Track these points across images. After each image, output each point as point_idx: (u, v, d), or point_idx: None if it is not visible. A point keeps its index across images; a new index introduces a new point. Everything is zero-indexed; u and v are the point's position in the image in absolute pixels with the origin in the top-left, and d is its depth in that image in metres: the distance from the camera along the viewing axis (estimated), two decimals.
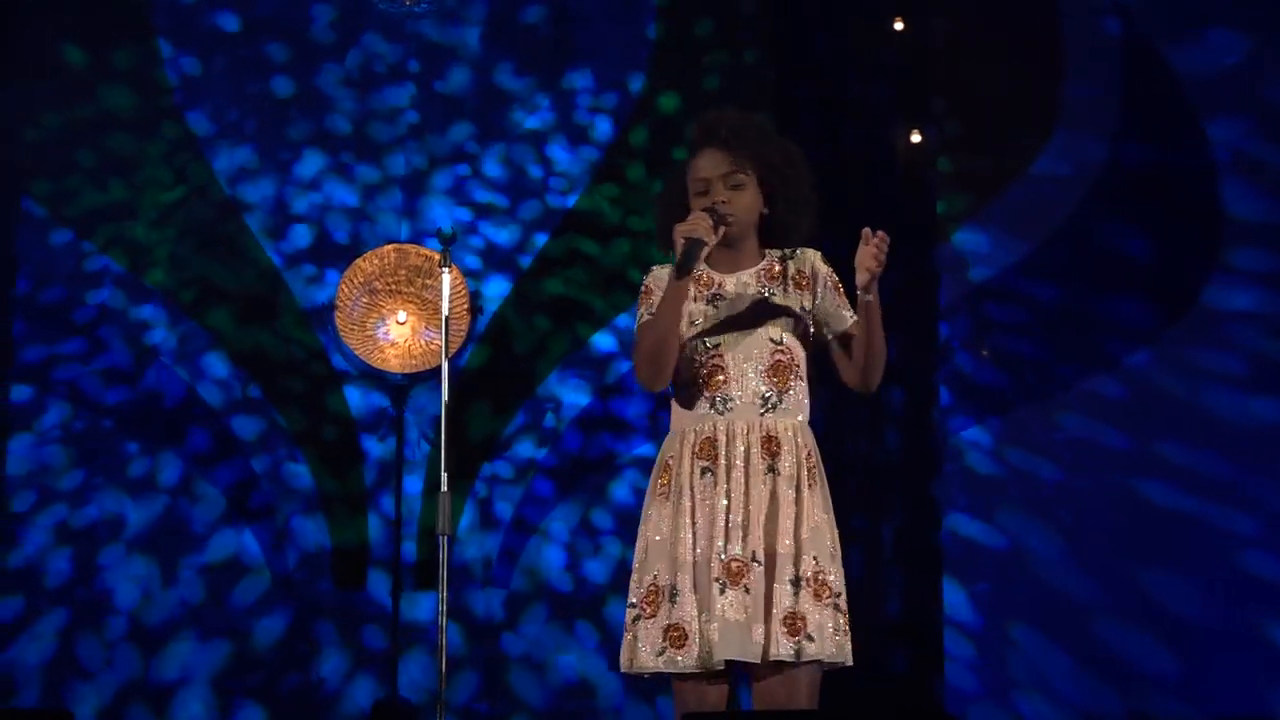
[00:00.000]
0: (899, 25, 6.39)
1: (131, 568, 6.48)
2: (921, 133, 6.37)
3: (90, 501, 6.51)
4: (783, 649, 3.57)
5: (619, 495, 6.62)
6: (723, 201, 3.73)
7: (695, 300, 3.78)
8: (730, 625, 3.57)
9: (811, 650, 3.58)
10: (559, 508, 6.62)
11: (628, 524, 6.50)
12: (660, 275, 3.81)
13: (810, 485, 3.70)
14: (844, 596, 3.67)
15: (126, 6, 6.77)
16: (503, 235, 6.78)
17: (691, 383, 3.74)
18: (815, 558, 3.64)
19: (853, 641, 3.68)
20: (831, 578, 3.65)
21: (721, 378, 3.71)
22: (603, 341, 6.72)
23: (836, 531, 3.73)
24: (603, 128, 6.84)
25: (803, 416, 3.76)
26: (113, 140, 6.71)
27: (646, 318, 3.78)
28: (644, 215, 6.67)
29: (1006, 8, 6.48)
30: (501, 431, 6.66)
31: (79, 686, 6.37)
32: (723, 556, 3.61)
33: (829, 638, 3.62)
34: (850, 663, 3.67)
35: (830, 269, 3.84)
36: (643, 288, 3.85)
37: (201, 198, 6.68)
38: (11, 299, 6.54)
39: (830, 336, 3.83)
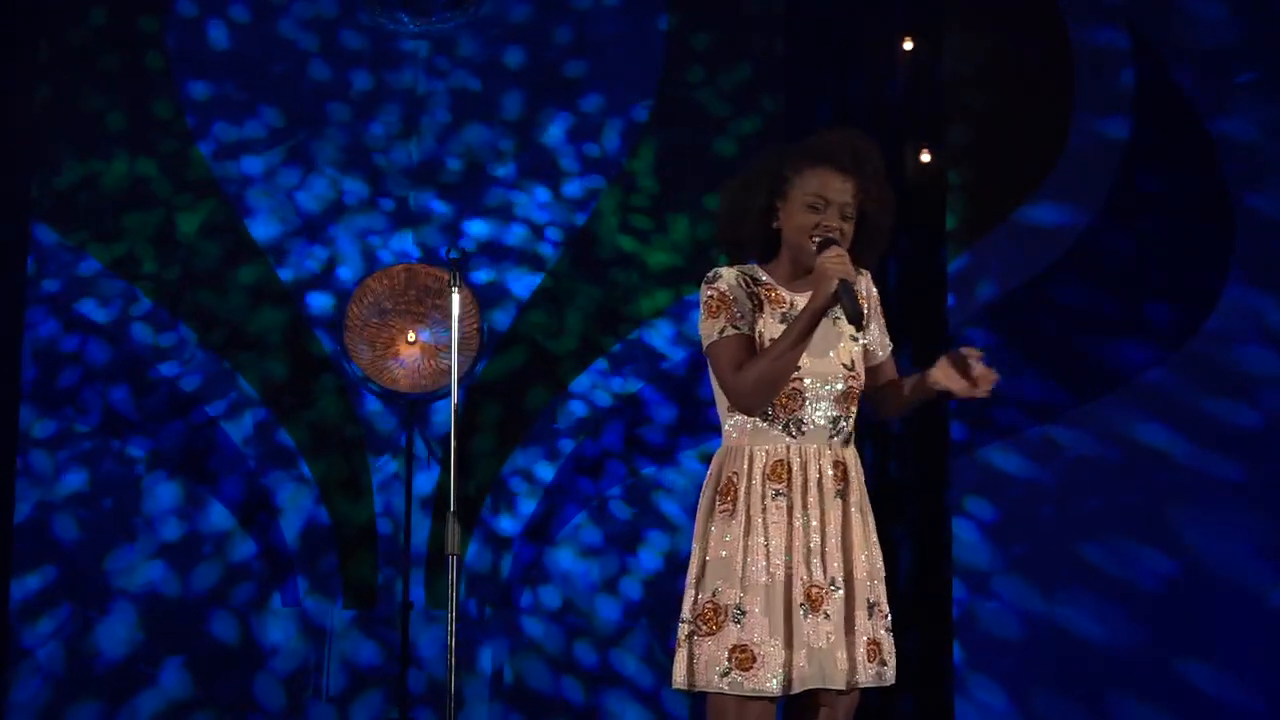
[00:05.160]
0: (909, 45, 6.40)
1: (135, 579, 6.50)
2: (931, 152, 6.37)
3: (101, 524, 6.52)
4: (866, 674, 3.59)
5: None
6: (836, 229, 3.62)
7: (771, 318, 3.68)
8: (816, 652, 3.55)
9: (888, 676, 3.63)
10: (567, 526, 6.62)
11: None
12: (734, 284, 3.68)
13: (869, 509, 3.71)
14: (889, 617, 3.69)
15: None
16: (511, 255, 6.80)
17: (778, 403, 3.65)
18: (877, 583, 3.67)
19: None
20: (884, 602, 3.68)
21: (799, 401, 3.64)
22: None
23: (881, 552, 3.73)
24: (611, 152, 6.84)
25: (854, 440, 3.74)
26: (122, 162, 6.75)
27: (730, 331, 3.64)
28: (649, 241, 6.68)
29: (1018, 29, 6.49)
30: (509, 453, 6.67)
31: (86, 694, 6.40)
32: (805, 582, 3.57)
33: (891, 662, 3.65)
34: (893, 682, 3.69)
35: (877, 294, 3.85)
36: (713, 296, 3.68)
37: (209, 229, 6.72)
38: (22, 317, 6.56)
39: (870, 365, 3.81)
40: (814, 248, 3.59)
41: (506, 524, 6.62)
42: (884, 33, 6.44)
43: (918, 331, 6.18)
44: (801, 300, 3.66)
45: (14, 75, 6.61)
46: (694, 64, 6.83)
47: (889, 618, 3.67)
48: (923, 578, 6.16)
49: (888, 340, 3.83)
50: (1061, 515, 6.23)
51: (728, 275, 3.69)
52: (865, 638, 3.59)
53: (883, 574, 3.69)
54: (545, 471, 6.64)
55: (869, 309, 3.77)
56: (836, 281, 3.50)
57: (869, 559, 3.65)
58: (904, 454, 6.23)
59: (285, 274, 6.72)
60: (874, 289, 3.82)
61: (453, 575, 4.49)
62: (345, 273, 6.73)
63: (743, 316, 3.64)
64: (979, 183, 6.44)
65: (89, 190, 6.70)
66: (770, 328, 3.65)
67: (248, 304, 6.69)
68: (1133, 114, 6.39)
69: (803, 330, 3.55)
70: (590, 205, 6.80)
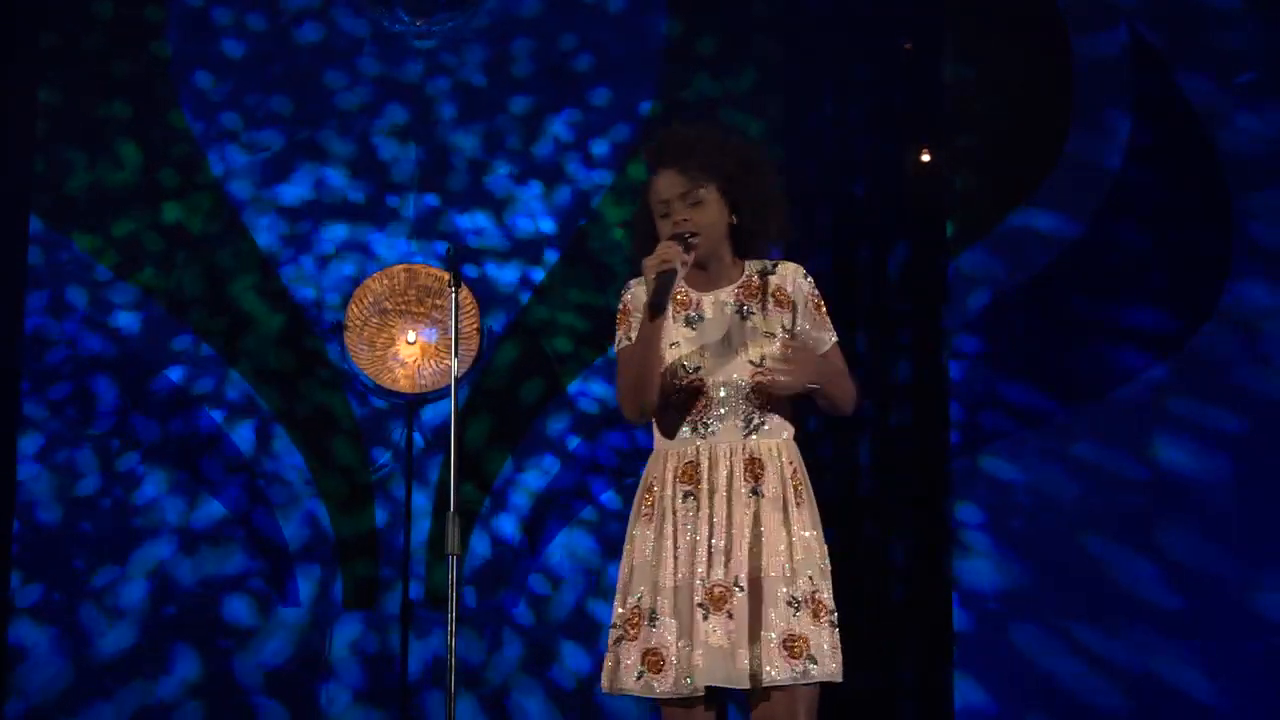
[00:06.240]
0: (909, 47, 6.42)
1: (135, 579, 6.50)
2: (931, 154, 6.38)
3: (100, 524, 6.53)
4: (781, 672, 3.53)
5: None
6: (685, 220, 3.67)
7: (674, 321, 3.72)
8: (714, 651, 3.54)
9: (816, 672, 3.55)
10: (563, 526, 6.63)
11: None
12: (638, 295, 3.74)
13: (797, 503, 3.66)
14: (836, 613, 3.64)
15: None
16: (511, 254, 6.80)
17: (673, 406, 3.69)
18: (810, 576, 3.61)
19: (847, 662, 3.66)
20: (825, 596, 3.62)
21: (703, 401, 3.67)
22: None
23: (825, 547, 3.69)
24: (610, 156, 6.84)
25: (787, 434, 3.71)
26: (122, 158, 6.75)
27: (625, 343, 3.73)
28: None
29: (1018, 30, 6.49)
30: (508, 453, 6.68)
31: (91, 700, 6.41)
32: (704, 582, 3.58)
33: (828, 657, 3.59)
34: (841, 680, 3.62)
35: (812, 286, 3.79)
36: (619, 308, 3.79)
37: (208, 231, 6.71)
38: (22, 317, 6.56)
39: None
40: None
41: (505, 524, 6.62)
42: (884, 35, 6.45)
43: (916, 332, 6.19)
44: (707, 299, 3.75)
45: (15, 72, 6.61)
46: (696, 66, 6.83)
47: (834, 613, 3.62)
48: (921, 583, 6.16)
49: (825, 334, 3.79)
50: (1059, 519, 6.23)
51: (635, 288, 3.78)
52: (779, 635, 3.54)
53: (823, 568, 3.64)
54: (544, 472, 6.64)
55: (799, 305, 3.76)
56: (653, 276, 3.57)
57: (791, 553, 3.61)
58: (903, 459, 6.23)
59: (286, 273, 6.72)
60: (804, 282, 3.79)
61: (453, 575, 4.49)
62: (345, 272, 6.74)
63: (637, 327, 3.69)
64: (979, 184, 6.45)
65: (90, 189, 6.71)
66: (674, 331, 3.72)
67: (248, 304, 6.69)
68: (1133, 115, 6.39)
69: (643, 331, 3.63)
70: (592, 206, 6.80)
